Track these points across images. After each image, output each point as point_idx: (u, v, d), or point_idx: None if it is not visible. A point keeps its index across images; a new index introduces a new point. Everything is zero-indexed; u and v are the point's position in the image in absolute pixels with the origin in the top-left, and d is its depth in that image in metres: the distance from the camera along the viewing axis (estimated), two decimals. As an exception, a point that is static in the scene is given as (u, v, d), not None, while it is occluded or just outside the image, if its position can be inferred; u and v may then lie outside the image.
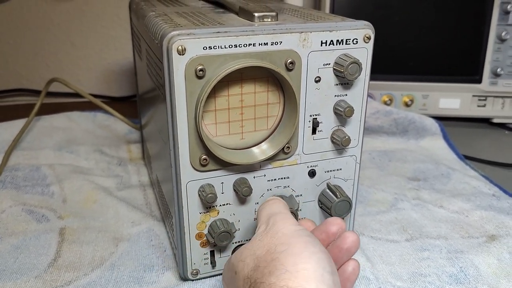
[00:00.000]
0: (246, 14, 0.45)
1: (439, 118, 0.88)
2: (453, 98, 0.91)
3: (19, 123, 0.83)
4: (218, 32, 0.40)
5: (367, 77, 0.46)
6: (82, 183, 0.68)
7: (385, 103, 0.92)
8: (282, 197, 0.48)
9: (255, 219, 0.49)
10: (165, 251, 0.55)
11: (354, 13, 0.89)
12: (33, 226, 0.58)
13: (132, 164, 0.76)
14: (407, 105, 0.92)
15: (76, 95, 0.84)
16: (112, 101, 1.07)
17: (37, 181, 0.69)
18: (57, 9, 1.01)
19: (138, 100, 0.74)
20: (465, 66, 0.90)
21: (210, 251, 0.48)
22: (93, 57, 1.07)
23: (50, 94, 0.99)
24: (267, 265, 0.36)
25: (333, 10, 0.87)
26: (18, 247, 0.54)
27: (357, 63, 0.43)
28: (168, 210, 0.53)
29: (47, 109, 0.90)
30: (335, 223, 0.42)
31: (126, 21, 1.03)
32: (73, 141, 0.82)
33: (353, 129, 0.48)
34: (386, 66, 0.90)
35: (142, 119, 0.73)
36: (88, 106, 0.93)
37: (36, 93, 1.04)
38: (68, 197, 0.65)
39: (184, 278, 0.49)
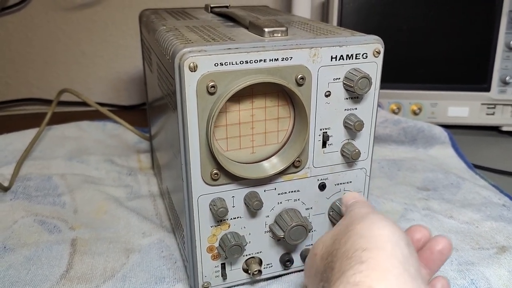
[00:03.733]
0: (256, 29, 0.46)
1: (448, 127, 0.88)
2: (461, 107, 0.91)
3: (30, 133, 0.84)
4: (229, 48, 0.40)
5: (377, 91, 0.46)
6: (93, 193, 0.69)
7: (393, 111, 0.93)
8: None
9: (265, 232, 0.49)
10: (175, 262, 0.55)
11: (362, 23, 0.89)
12: (45, 237, 0.59)
13: (142, 174, 0.77)
14: (415, 113, 0.92)
15: (87, 104, 0.85)
16: (122, 109, 1.08)
17: (49, 191, 0.70)
18: (67, 19, 1.02)
19: (148, 110, 0.75)
20: (473, 75, 0.90)
21: (221, 264, 0.49)
22: (103, 66, 1.08)
23: (61, 103, 1.00)
24: (343, 237, 0.37)
25: (341, 20, 0.87)
26: (31, 259, 0.55)
27: (367, 77, 0.43)
28: (178, 222, 0.53)
29: (58, 118, 0.91)
30: (418, 230, 0.42)
31: (135, 30, 1.04)
32: (84, 151, 0.82)
33: (363, 142, 0.48)
34: (394, 75, 0.90)
35: (152, 129, 0.73)
36: (98, 115, 0.94)
37: (47, 102, 1.05)
38: (79, 207, 0.66)
39: (195, 291, 0.50)
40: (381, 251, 0.33)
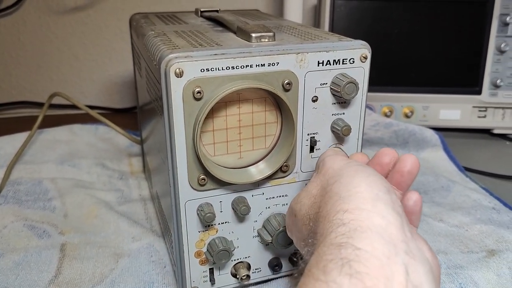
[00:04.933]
0: (244, 34, 0.46)
1: (439, 130, 0.88)
2: (453, 109, 0.92)
3: (21, 137, 0.83)
4: (216, 54, 0.40)
5: (364, 96, 0.46)
6: (83, 198, 0.68)
7: (385, 114, 0.93)
8: None
9: (254, 236, 0.49)
10: (165, 267, 0.55)
11: (354, 27, 0.89)
12: (34, 242, 0.59)
13: (133, 178, 0.76)
14: (407, 116, 0.92)
15: (79, 107, 0.85)
16: (114, 112, 1.08)
17: (39, 195, 0.69)
18: (59, 22, 1.02)
19: (138, 114, 0.75)
20: (465, 78, 0.90)
21: (209, 269, 0.49)
22: (96, 69, 1.08)
23: (53, 106, 1.00)
24: (322, 199, 0.37)
25: (332, 24, 0.88)
26: (19, 264, 0.55)
27: (353, 82, 0.44)
28: (167, 227, 0.53)
29: (50, 122, 0.90)
30: (386, 153, 0.42)
31: (128, 33, 1.04)
32: (75, 155, 0.82)
33: (350, 147, 0.48)
34: (386, 78, 0.91)
35: (143, 133, 0.73)
36: (91, 118, 0.94)
37: (39, 105, 1.05)
38: (69, 212, 0.66)
39: (184, 296, 0.49)
40: (362, 211, 0.32)
